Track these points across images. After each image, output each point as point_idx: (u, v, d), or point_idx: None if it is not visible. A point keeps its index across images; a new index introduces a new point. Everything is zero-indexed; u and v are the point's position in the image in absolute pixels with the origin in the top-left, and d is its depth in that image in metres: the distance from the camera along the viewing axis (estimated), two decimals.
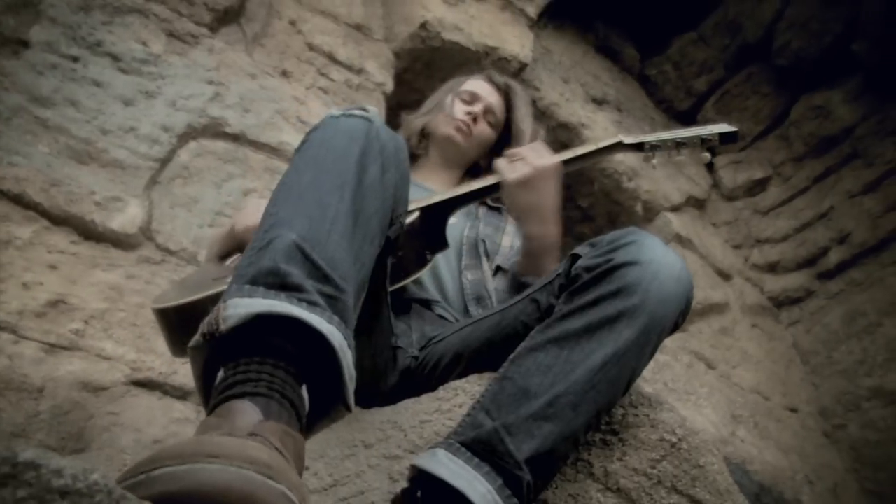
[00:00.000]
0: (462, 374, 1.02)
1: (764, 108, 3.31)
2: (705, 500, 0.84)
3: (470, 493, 0.72)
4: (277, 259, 0.68)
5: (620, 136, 1.26)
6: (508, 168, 1.19)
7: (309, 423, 0.66)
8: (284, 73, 1.96)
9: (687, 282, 0.87)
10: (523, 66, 2.53)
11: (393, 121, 2.05)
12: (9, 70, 1.49)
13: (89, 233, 1.47)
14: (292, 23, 2.06)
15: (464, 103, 1.53)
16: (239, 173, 1.73)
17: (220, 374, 0.63)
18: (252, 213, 1.12)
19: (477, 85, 1.57)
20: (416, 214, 1.14)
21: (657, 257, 0.85)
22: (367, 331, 0.98)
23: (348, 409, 0.68)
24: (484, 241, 1.38)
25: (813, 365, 3.08)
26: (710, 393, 2.60)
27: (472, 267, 1.33)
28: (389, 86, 2.21)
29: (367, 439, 0.97)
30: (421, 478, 0.76)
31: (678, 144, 1.24)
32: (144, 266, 1.51)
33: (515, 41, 2.52)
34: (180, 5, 1.81)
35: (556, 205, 1.19)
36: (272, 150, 1.81)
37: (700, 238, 3.06)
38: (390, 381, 1.10)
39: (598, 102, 3.02)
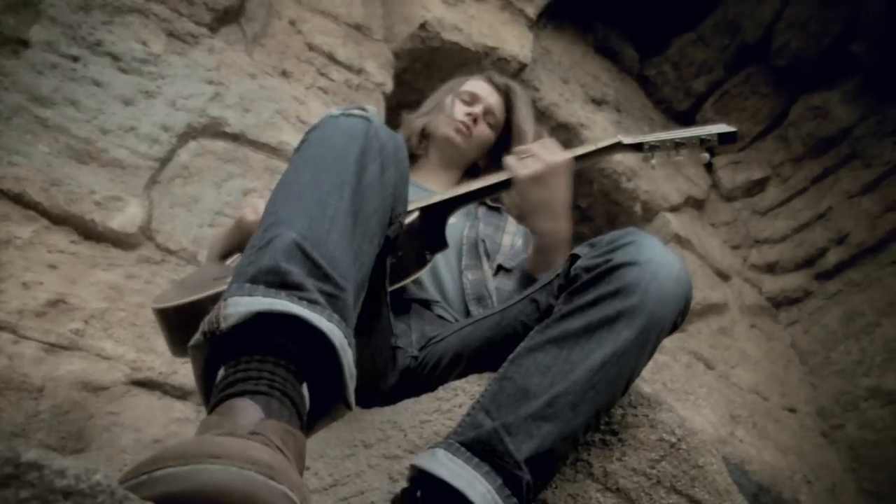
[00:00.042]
0: (462, 374, 1.02)
1: (763, 109, 3.32)
2: (704, 500, 0.85)
3: (469, 493, 0.72)
4: (277, 257, 0.68)
5: (619, 136, 1.26)
6: (520, 165, 1.18)
7: (310, 422, 0.66)
8: (284, 73, 1.97)
9: (686, 282, 0.87)
10: (523, 67, 2.53)
11: (392, 121, 2.05)
12: (9, 69, 1.49)
13: (89, 232, 1.47)
14: (292, 23, 2.06)
15: (464, 104, 1.53)
16: (239, 173, 1.73)
17: (221, 372, 0.63)
18: (261, 207, 1.12)
19: (477, 86, 1.57)
20: (415, 214, 1.14)
21: (656, 257, 0.85)
22: (367, 331, 0.98)
23: (349, 407, 0.68)
24: (484, 240, 1.38)
25: (811, 365, 3.09)
26: (708, 393, 2.61)
27: (473, 267, 1.33)
28: (389, 86, 2.21)
29: (367, 439, 0.97)
30: (421, 477, 0.77)
31: (677, 145, 1.24)
32: (144, 266, 1.51)
33: (515, 41, 2.53)
34: (180, 5, 1.81)
35: (568, 201, 1.19)
36: (272, 150, 1.81)
37: (699, 238, 3.06)
38: (390, 381, 1.11)
39: (598, 103, 3.02)
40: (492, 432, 0.77)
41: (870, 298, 2.93)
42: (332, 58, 2.09)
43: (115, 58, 1.64)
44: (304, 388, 0.64)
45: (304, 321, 0.63)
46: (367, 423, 0.99)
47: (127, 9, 1.71)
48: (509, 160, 1.21)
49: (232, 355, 0.63)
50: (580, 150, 1.25)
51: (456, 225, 1.38)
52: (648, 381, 2.37)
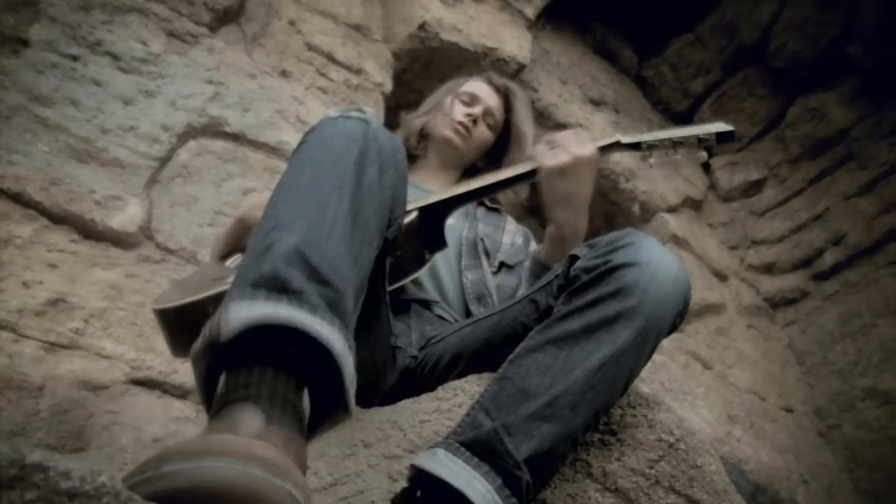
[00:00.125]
0: (461, 375, 1.02)
1: (760, 110, 3.33)
2: (703, 500, 0.85)
3: (469, 493, 0.72)
4: (278, 263, 0.68)
5: (618, 135, 1.26)
6: (548, 154, 1.17)
7: (310, 427, 0.66)
8: (284, 73, 1.97)
9: (684, 283, 0.88)
10: (521, 67, 2.53)
11: (392, 121, 2.06)
12: (9, 69, 1.49)
13: (89, 232, 1.47)
14: (291, 23, 2.06)
15: (463, 105, 1.53)
16: (238, 173, 1.73)
17: (222, 379, 0.63)
18: (261, 204, 1.13)
19: (476, 86, 1.56)
20: (414, 214, 1.14)
21: (655, 258, 0.86)
22: (367, 331, 0.98)
23: (349, 412, 0.68)
24: (483, 239, 1.38)
25: (808, 365, 3.10)
26: (706, 393, 2.62)
27: (472, 267, 1.33)
28: (388, 86, 2.21)
29: (367, 439, 0.97)
30: (421, 477, 0.77)
31: (675, 144, 1.24)
32: (144, 265, 1.51)
33: (514, 42, 2.53)
34: (180, 5, 1.81)
35: (589, 195, 1.18)
36: (271, 150, 1.82)
37: (696, 239, 3.07)
38: (389, 381, 1.11)
39: (596, 103, 3.03)
40: (491, 432, 0.77)
41: (866, 299, 2.94)
42: (331, 58, 2.09)
43: (114, 57, 1.64)
44: (305, 395, 0.64)
45: (305, 328, 0.63)
46: (366, 423, 0.99)
47: (127, 8, 1.71)
48: (538, 148, 1.20)
49: (233, 363, 0.63)
50: None
51: (455, 226, 1.39)
52: (646, 381, 2.38)
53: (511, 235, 1.43)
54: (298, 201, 0.76)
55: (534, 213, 2.62)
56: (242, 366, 0.62)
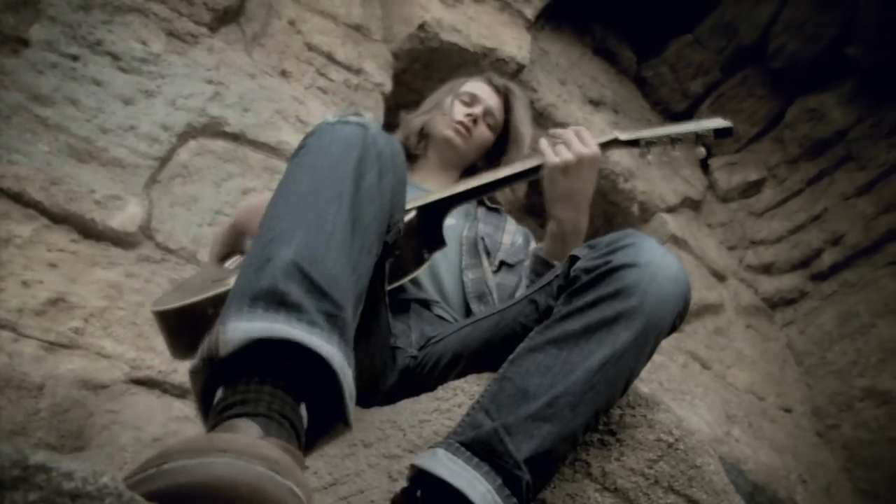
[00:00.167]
0: (461, 375, 1.02)
1: (759, 111, 3.33)
2: (702, 500, 0.85)
3: (469, 493, 0.72)
4: (276, 277, 0.67)
5: (616, 132, 1.26)
6: (551, 151, 1.18)
7: (309, 440, 0.66)
8: (283, 73, 1.97)
9: (684, 284, 0.88)
10: (521, 68, 2.54)
11: (391, 121, 2.06)
12: (9, 68, 1.49)
13: (89, 231, 1.47)
14: (291, 23, 2.06)
15: (463, 105, 1.53)
16: (238, 172, 1.73)
17: (219, 393, 0.62)
18: (254, 208, 1.13)
19: (477, 87, 1.56)
20: (412, 213, 1.14)
21: (655, 259, 0.86)
22: (366, 331, 0.98)
23: (349, 427, 0.67)
24: (483, 238, 1.38)
25: (807, 365, 3.10)
26: (704, 393, 2.62)
27: (473, 266, 1.34)
28: (388, 86, 2.22)
29: (367, 438, 0.97)
30: (421, 477, 0.77)
31: (673, 140, 1.24)
32: (144, 264, 1.51)
33: (513, 42, 2.53)
34: (180, 5, 1.81)
35: (591, 193, 1.18)
36: (271, 150, 1.82)
37: (695, 239, 3.07)
38: (389, 381, 1.11)
39: (595, 104, 3.03)
40: (492, 432, 0.77)
41: (865, 299, 2.94)
42: (331, 58, 2.09)
43: (114, 57, 1.64)
44: (303, 409, 0.64)
45: (304, 345, 0.63)
46: (366, 423, 1.00)
47: (127, 8, 1.71)
48: (543, 143, 1.20)
49: (230, 378, 0.62)
50: None
51: (455, 226, 1.39)
52: (645, 381, 2.39)
53: (511, 235, 1.44)
54: (297, 211, 0.76)
55: (533, 213, 2.63)
56: (240, 380, 0.61)
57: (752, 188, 3.39)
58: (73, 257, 1.43)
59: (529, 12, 2.66)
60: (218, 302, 1.00)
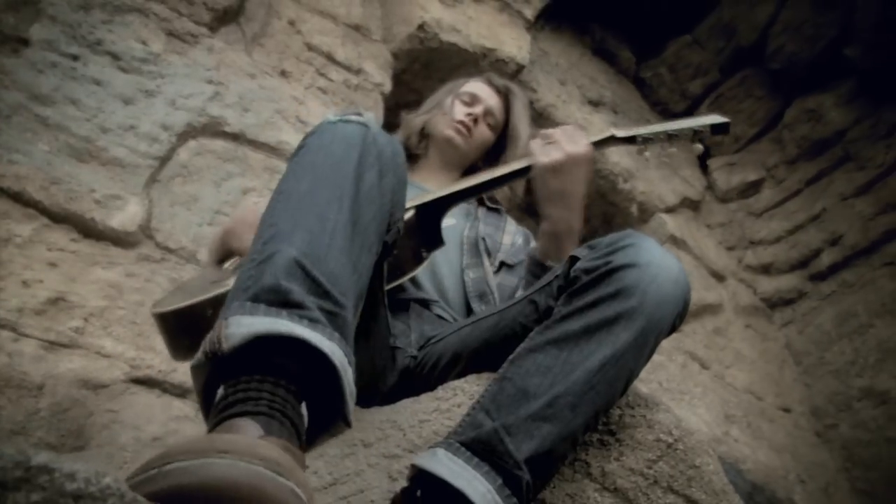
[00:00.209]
0: (460, 375, 1.02)
1: (758, 111, 3.34)
2: (701, 500, 0.86)
3: (470, 493, 0.73)
4: (278, 275, 0.68)
5: (612, 129, 1.26)
6: (541, 151, 1.17)
7: (309, 438, 0.66)
8: (283, 73, 1.97)
9: (684, 284, 0.88)
10: (520, 68, 2.54)
11: (391, 121, 2.06)
12: (9, 68, 1.49)
13: (89, 231, 1.47)
14: (291, 23, 2.06)
15: (464, 105, 1.53)
16: (238, 172, 1.74)
17: (220, 391, 0.63)
18: (246, 220, 1.13)
19: (477, 87, 1.57)
20: (411, 212, 1.15)
21: (655, 260, 0.86)
22: (366, 331, 0.98)
23: (348, 424, 0.68)
24: (484, 239, 1.38)
25: (805, 365, 3.11)
26: (703, 393, 2.62)
27: (474, 265, 1.34)
28: (388, 86, 2.22)
29: (367, 438, 0.98)
30: (421, 477, 0.77)
31: (670, 136, 1.24)
32: (144, 264, 1.51)
33: (513, 43, 2.53)
34: (180, 5, 1.81)
35: (583, 192, 1.17)
36: (271, 150, 1.82)
37: (694, 239, 3.08)
38: (389, 381, 1.11)
39: (595, 104, 3.04)
40: (492, 432, 0.77)
41: (863, 299, 2.95)
42: (331, 58, 2.09)
43: (114, 57, 1.65)
44: (303, 408, 0.64)
45: (306, 342, 0.63)
46: (366, 423, 1.00)
47: (127, 8, 1.71)
48: (533, 144, 1.20)
49: (232, 375, 0.62)
50: None
51: (456, 226, 1.39)
52: (644, 381, 2.39)
53: (511, 236, 1.44)
54: (298, 210, 0.76)
55: (533, 213, 2.63)
56: (241, 378, 0.62)
57: (751, 188, 3.40)
58: (73, 257, 1.43)
59: (529, 13, 2.66)
60: (217, 303, 1.00)
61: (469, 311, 1.28)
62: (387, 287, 1.04)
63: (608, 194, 2.92)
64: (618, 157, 2.85)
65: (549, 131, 1.21)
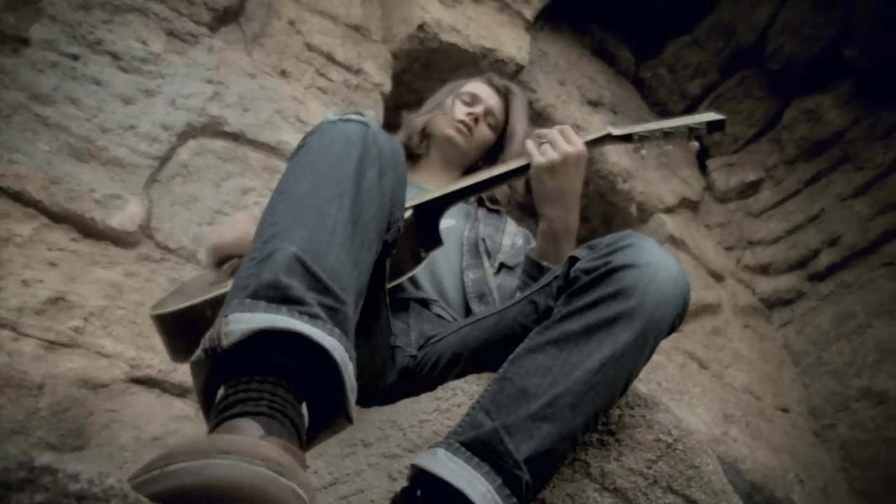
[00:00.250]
0: (460, 374, 1.03)
1: (757, 112, 3.34)
2: (700, 500, 0.86)
3: (470, 493, 0.73)
4: (278, 272, 0.68)
5: (609, 128, 1.27)
6: (537, 151, 1.18)
7: (310, 435, 0.66)
8: (283, 73, 1.97)
9: (684, 285, 0.89)
10: (520, 68, 2.54)
11: (391, 121, 2.06)
12: (9, 68, 1.49)
13: (89, 230, 1.47)
14: (291, 23, 2.06)
15: (465, 104, 1.54)
16: (238, 172, 1.74)
17: (221, 391, 0.63)
18: (229, 229, 1.13)
19: (478, 87, 1.57)
20: (409, 212, 1.15)
21: (655, 260, 0.86)
22: (366, 330, 0.98)
23: (350, 421, 0.68)
24: (484, 240, 1.39)
25: (804, 365, 3.11)
26: (702, 392, 2.63)
27: (473, 266, 1.34)
28: (387, 86, 2.22)
29: (367, 438, 0.98)
30: (421, 477, 0.77)
31: (666, 134, 1.24)
32: (144, 264, 1.51)
33: (512, 43, 2.54)
34: (180, 5, 1.81)
35: (579, 191, 1.19)
36: (271, 150, 1.82)
37: (693, 239, 3.08)
38: (389, 380, 1.11)
39: (594, 104, 3.04)
40: (492, 432, 0.78)
41: (861, 300, 2.95)
42: (330, 58, 2.09)
43: (115, 56, 1.65)
44: (304, 408, 0.64)
45: (306, 337, 0.63)
46: (366, 422, 1.00)
47: (127, 8, 1.71)
48: (529, 144, 1.21)
49: (232, 374, 0.62)
50: None
51: (456, 227, 1.39)
52: (643, 380, 2.39)
53: (511, 237, 1.44)
54: (298, 208, 0.76)
55: (532, 213, 2.63)
56: (241, 377, 0.62)
57: (750, 189, 3.40)
58: (73, 256, 1.43)
59: (528, 13, 2.66)
60: (216, 304, 1.00)
61: (468, 311, 1.28)
62: (387, 286, 1.04)
63: (607, 194, 2.92)
64: (617, 158, 2.86)
65: (545, 131, 1.22)
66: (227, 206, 1.66)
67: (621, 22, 3.32)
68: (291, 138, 1.85)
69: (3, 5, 1.53)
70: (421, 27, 2.29)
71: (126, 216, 1.51)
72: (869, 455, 2.77)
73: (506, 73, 2.44)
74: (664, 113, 3.48)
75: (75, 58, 1.59)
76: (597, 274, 0.86)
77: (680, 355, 2.68)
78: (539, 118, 2.68)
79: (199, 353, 0.65)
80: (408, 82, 2.40)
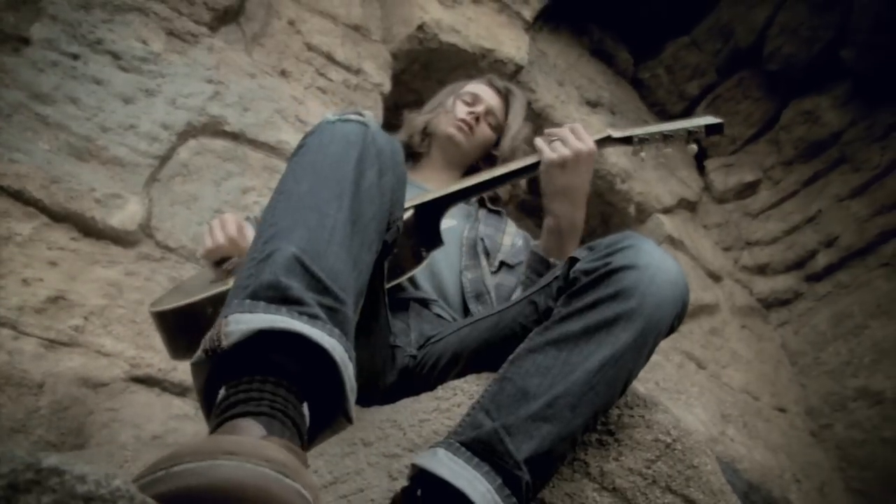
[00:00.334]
0: (460, 374, 1.03)
1: (755, 113, 3.35)
2: (699, 500, 0.86)
3: (470, 493, 0.73)
4: (277, 272, 0.68)
5: (609, 130, 1.28)
6: (548, 148, 1.20)
7: (311, 435, 0.67)
8: (283, 73, 1.97)
9: (683, 286, 0.89)
10: (519, 69, 2.54)
11: (390, 121, 2.07)
12: (9, 67, 1.49)
13: (89, 229, 1.47)
14: (291, 23, 2.07)
15: (466, 104, 1.55)
16: (238, 172, 1.74)
17: (222, 391, 0.63)
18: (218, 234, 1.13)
19: (478, 87, 1.58)
20: (410, 212, 1.15)
21: (654, 261, 0.87)
22: (366, 330, 0.98)
23: (350, 420, 0.68)
24: (483, 239, 1.39)
25: (801, 365, 3.12)
26: (700, 392, 2.64)
27: (472, 266, 1.35)
28: (387, 86, 2.22)
29: (367, 437, 0.98)
30: (421, 477, 0.77)
31: (665, 137, 1.26)
32: (144, 263, 1.51)
33: (511, 44, 2.54)
34: (180, 4, 1.81)
35: (588, 189, 1.21)
36: (271, 149, 1.82)
37: (691, 240, 3.09)
38: (389, 380, 1.12)
39: (593, 105, 3.04)
40: (492, 432, 0.78)
41: (858, 300, 2.96)
42: (330, 58, 2.10)
43: (115, 56, 1.65)
44: (305, 407, 0.64)
45: (306, 338, 0.64)
46: (366, 422, 1.00)
47: (127, 7, 1.71)
48: (539, 141, 1.23)
49: (233, 374, 0.63)
50: None
51: (456, 227, 1.40)
52: (642, 380, 2.40)
53: (511, 237, 1.45)
54: (298, 208, 0.77)
55: (531, 213, 2.64)
56: (242, 378, 0.62)
57: (748, 189, 3.41)
58: (73, 255, 1.44)
59: (527, 13, 2.67)
60: (216, 302, 1.01)
61: (467, 311, 1.28)
62: (387, 286, 1.05)
63: (606, 194, 2.93)
64: (616, 158, 2.86)
65: (555, 130, 1.24)
66: (226, 206, 1.67)
67: (620, 23, 3.32)
68: (291, 138, 1.85)
69: (4, 5, 1.53)
70: (420, 27, 2.29)
71: (126, 215, 1.51)
72: (865, 455, 2.78)
73: (505, 73, 2.45)
74: (662, 113, 3.48)
75: (75, 57, 1.59)
76: (596, 275, 0.87)
77: (678, 355, 2.69)
78: (538, 118, 2.69)
79: (199, 353, 0.65)
80: (407, 82, 2.40)
